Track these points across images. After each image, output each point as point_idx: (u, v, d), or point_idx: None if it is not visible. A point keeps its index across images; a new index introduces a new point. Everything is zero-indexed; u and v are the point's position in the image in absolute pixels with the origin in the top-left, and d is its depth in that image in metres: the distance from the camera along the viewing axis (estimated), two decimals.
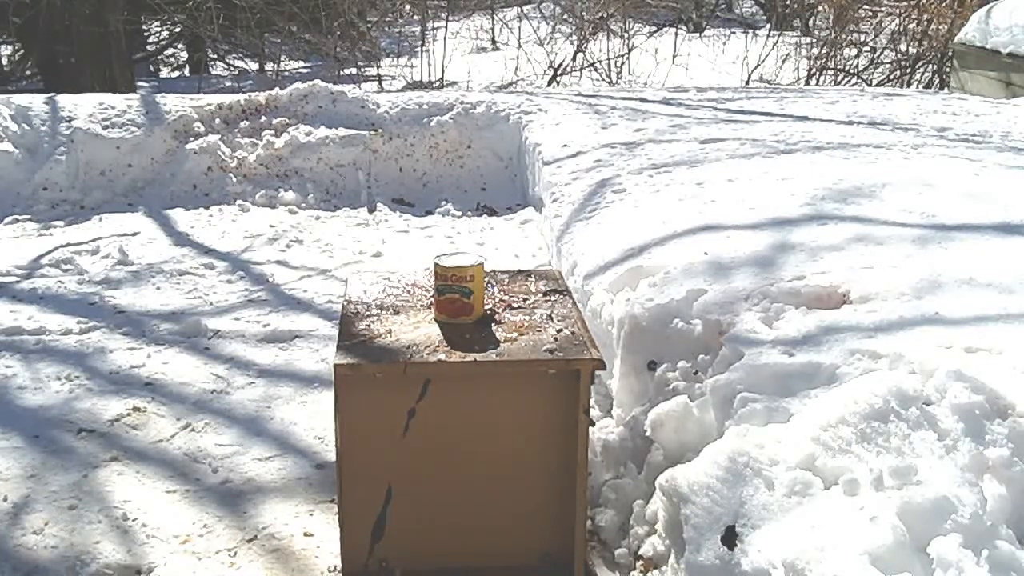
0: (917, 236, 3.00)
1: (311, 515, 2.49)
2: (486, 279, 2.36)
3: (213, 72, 11.44)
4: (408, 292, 2.45)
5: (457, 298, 2.25)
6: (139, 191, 5.20)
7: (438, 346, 2.13)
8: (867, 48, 10.42)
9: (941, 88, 9.18)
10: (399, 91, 8.32)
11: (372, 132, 5.50)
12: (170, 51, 12.14)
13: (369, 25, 11.42)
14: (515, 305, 2.37)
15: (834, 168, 3.95)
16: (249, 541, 2.38)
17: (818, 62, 9.94)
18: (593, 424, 2.48)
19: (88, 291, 3.91)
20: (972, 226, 3.09)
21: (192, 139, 5.38)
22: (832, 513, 1.76)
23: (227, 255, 4.39)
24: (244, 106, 5.64)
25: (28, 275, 4.10)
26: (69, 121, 5.36)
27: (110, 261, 4.24)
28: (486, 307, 2.31)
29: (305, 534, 2.41)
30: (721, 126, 5.17)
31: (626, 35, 10.61)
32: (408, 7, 13.13)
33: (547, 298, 2.42)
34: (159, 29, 11.80)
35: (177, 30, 11.10)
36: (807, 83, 9.64)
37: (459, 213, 5.08)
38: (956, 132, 4.93)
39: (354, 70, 10.36)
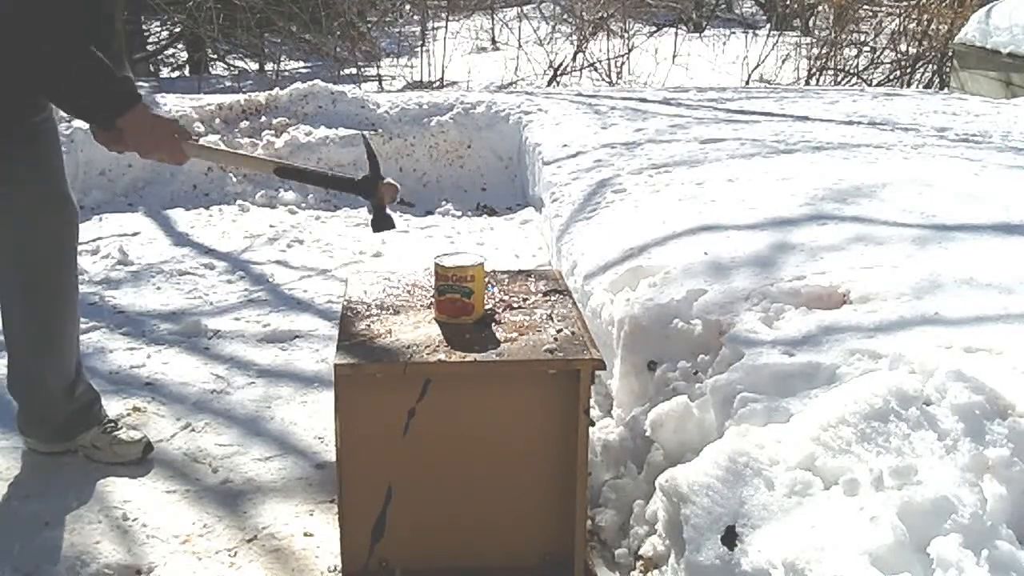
0: (917, 236, 3.00)
1: (311, 515, 2.49)
2: (486, 279, 2.36)
3: (213, 72, 11.44)
4: (408, 292, 2.45)
5: (458, 298, 2.25)
6: (139, 191, 5.20)
7: (438, 346, 2.13)
8: (867, 48, 10.42)
9: (941, 88, 9.18)
10: (399, 91, 8.32)
11: (372, 133, 5.49)
12: (170, 51, 12.13)
13: (369, 25, 11.42)
14: (515, 305, 2.37)
15: (834, 168, 3.95)
16: (249, 541, 2.38)
17: (818, 62, 9.94)
18: (593, 424, 2.48)
19: (88, 291, 3.91)
20: (972, 226, 3.09)
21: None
22: (832, 513, 1.76)
23: (227, 255, 4.39)
24: (244, 106, 5.65)
25: None
26: (69, 121, 5.35)
27: (110, 261, 4.24)
28: (486, 307, 2.32)
29: (305, 534, 2.41)
30: (721, 126, 5.17)
31: (626, 35, 10.61)
32: (408, 7, 13.13)
33: (547, 298, 2.42)
34: (159, 29, 11.79)
35: (177, 30, 11.10)
36: (807, 83, 9.64)
37: (459, 213, 5.08)
38: (956, 132, 4.93)
39: (354, 70, 10.35)
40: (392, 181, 2.33)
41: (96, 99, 2.24)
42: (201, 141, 2.49)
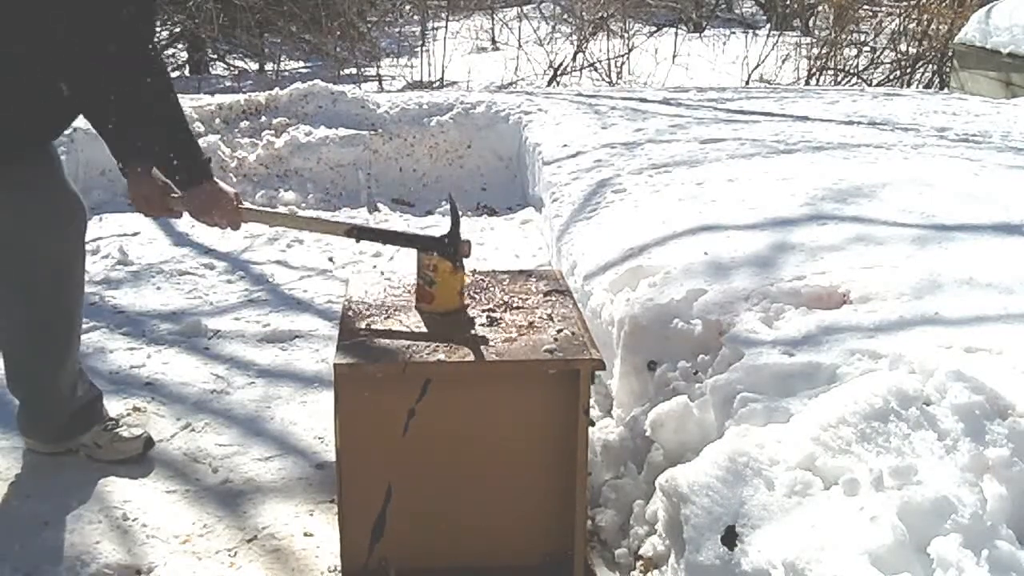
0: (917, 236, 3.00)
1: (311, 515, 2.49)
2: (485, 279, 2.37)
3: (213, 72, 11.43)
4: (408, 292, 2.45)
5: (422, 284, 2.32)
6: None
7: (438, 346, 2.13)
8: (867, 48, 10.42)
9: (941, 88, 9.18)
10: (399, 91, 8.32)
11: (372, 133, 5.50)
12: (170, 51, 12.13)
13: (369, 25, 11.42)
14: (515, 305, 2.37)
15: (834, 168, 3.95)
16: (249, 541, 2.38)
17: (818, 62, 9.94)
18: (593, 424, 2.48)
19: (88, 291, 3.89)
20: (972, 226, 3.09)
21: None
22: (832, 513, 1.76)
23: (227, 255, 4.39)
24: (244, 106, 5.64)
25: None
26: None
27: (110, 261, 4.24)
28: (487, 307, 2.32)
29: (305, 534, 2.41)
30: (721, 126, 5.17)
31: (626, 35, 10.61)
32: (408, 7, 13.13)
33: (547, 298, 2.42)
34: (159, 29, 11.78)
35: (177, 30, 11.10)
36: (807, 83, 9.63)
37: (459, 213, 5.07)
38: (956, 132, 4.93)
39: (354, 70, 10.35)
40: (467, 239, 2.36)
41: (180, 155, 2.24)
42: (248, 205, 2.47)
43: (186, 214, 2.35)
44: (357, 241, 2.50)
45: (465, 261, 2.33)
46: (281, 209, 5.03)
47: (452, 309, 2.32)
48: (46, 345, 2.55)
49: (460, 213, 2.40)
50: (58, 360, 2.56)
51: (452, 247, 2.32)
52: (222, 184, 2.36)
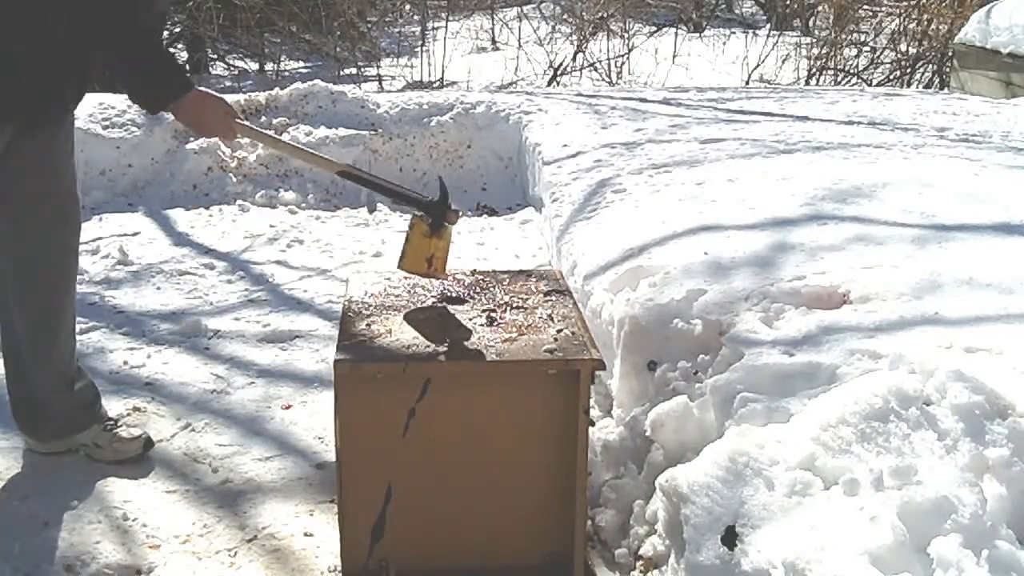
0: (917, 236, 3.00)
1: (311, 515, 2.49)
2: (485, 279, 2.37)
3: (213, 72, 11.43)
4: (408, 292, 2.45)
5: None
6: (139, 191, 5.20)
7: (438, 346, 2.13)
8: (867, 48, 10.42)
9: (941, 88, 9.18)
10: (399, 91, 8.32)
11: (372, 133, 5.50)
12: (170, 51, 12.12)
13: (369, 25, 11.43)
14: (515, 305, 2.37)
15: (834, 168, 3.95)
16: (249, 541, 2.38)
17: (818, 62, 9.94)
18: (593, 424, 2.48)
19: (88, 291, 3.91)
20: (972, 226, 3.09)
21: (192, 139, 5.37)
22: (832, 513, 1.76)
23: (227, 255, 4.39)
24: (244, 106, 5.64)
25: None
26: None
27: (110, 261, 4.24)
28: (487, 307, 2.33)
29: (305, 534, 2.41)
30: (721, 126, 5.17)
31: (626, 35, 10.61)
32: (408, 7, 13.13)
33: (547, 298, 2.42)
34: None
35: (177, 30, 11.10)
36: (807, 83, 9.64)
37: (459, 213, 5.07)
38: (956, 132, 4.93)
39: (354, 70, 10.36)
40: (457, 209, 2.42)
41: (156, 78, 2.27)
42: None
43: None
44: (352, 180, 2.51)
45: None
46: (281, 209, 5.04)
47: (418, 274, 2.39)
48: (40, 339, 2.55)
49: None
50: (52, 355, 2.57)
51: (438, 208, 2.36)
52: (213, 93, 2.37)
